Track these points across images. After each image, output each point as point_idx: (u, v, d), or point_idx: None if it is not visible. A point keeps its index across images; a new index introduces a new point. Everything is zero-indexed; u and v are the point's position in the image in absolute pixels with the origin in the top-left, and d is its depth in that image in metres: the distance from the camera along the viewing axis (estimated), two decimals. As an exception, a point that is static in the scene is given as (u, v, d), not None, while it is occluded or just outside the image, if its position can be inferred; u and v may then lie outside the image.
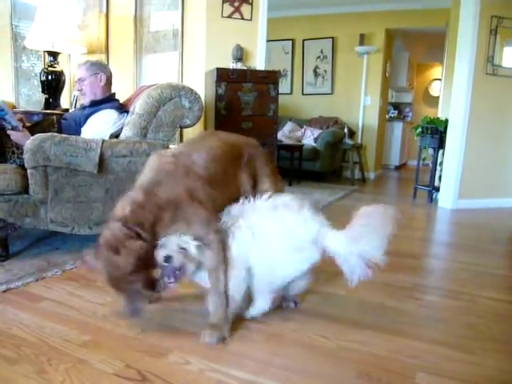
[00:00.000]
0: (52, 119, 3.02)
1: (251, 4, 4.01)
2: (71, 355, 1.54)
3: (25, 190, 2.45)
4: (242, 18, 4.02)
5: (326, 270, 2.57)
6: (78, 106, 4.14)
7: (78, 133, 2.73)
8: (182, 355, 1.58)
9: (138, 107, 2.70)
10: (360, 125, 7.27)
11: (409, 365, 1.57)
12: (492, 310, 2.12)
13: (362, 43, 7.06)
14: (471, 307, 2.13)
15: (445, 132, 4.89)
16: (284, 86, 7.67)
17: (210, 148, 1.85)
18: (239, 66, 3.79)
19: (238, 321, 1.81)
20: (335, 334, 1.77)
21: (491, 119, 4.75)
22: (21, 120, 2.66)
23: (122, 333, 1.73)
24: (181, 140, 4.14)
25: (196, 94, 2.80)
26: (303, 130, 7.15)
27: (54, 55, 4.10)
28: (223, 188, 1.81)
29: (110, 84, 2.98)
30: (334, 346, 1.68)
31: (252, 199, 1.81)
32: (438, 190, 5.08)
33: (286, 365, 1.54)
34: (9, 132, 2.56)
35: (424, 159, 5.47)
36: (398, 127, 9.46)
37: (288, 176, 6.10)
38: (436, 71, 10.47)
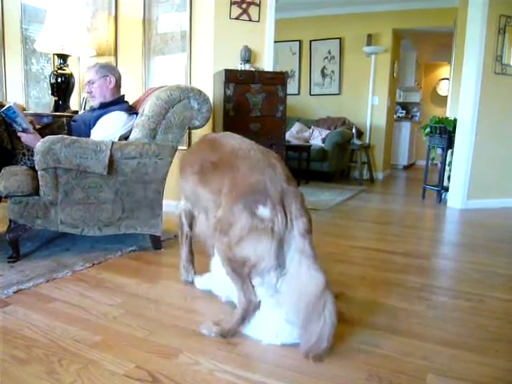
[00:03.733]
0: (62, 121, 3.04)
1: (259, 5, 4.01)
2: (82, 356, 1.55)
3: (35, 191, 2.47)
4: (250, 20, 4.02)
5: (333, 272, 2.58)
6: (87, 108, 4.16)
7: (88, 135, 2.75)
8: (192, 356, 1.58)
9: (147, 109, 2.71)
10: (368, 125, 7.25)
11: (419, 366, 1.56)
12: (503, 311, 2.10)
13: (369, 43, 7.05)
14: (481, 308, 2.12)
15: (453, 132, 4.86)
16: (291, 86, 7.66)
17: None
18: (247, 67, 3.79)
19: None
20: (345, 336, 1.77)
21: (500, 118, 4.73)
22: (31, 122, 2.69)
23: (132, 334, 1.74)
24: (189, 142, 4.15)
25: (204, 95, 2.81)
26: (311, 130, 7.15)
27: (63, 58, 4.12)
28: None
29: (119, 86, 3.00)
30: (345, 348, 1.68)
31: None
32: (446, 190, 5.05)
33: (295, 366, 1.54)
34: (19, 134, 2.59)
35: (433, 159, 5.45)
36: (406, 127, 9.42)
37: (296, 176, 6.10)
38: (444, 71, 10.42)
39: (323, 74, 7.63)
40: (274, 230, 1.64)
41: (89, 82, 2.90)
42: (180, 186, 2.19)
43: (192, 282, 2.27)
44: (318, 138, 6.86)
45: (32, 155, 2.55)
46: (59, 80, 4.10)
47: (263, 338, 1.68)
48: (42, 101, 4.94)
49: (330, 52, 7.50)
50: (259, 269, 1.70)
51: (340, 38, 7.37)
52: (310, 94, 7.79)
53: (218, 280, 2.03)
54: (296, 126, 7.22)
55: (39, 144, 2.43)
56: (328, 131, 6.88)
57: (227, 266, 1.73)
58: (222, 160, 1.83)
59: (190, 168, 2.03)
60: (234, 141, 1.92)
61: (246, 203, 1.66)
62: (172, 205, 2.42)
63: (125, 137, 2.77)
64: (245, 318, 1.72)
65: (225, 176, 1.77)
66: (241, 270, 1.70)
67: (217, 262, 2.01)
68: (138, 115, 2.82)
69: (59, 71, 4.12)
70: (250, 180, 1.69)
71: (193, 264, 2.33)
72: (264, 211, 1.64)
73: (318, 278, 1.60)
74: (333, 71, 7.52)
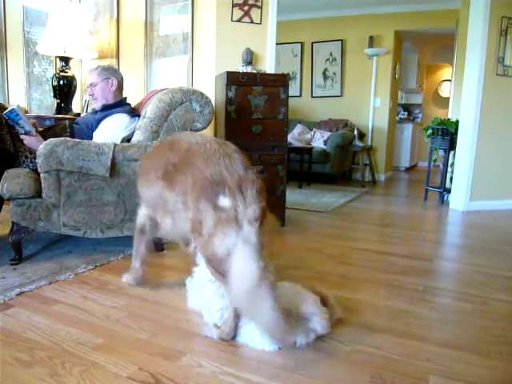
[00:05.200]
0: (64, 124, 3.05)
1: (260, 8, 4.02)
2: (85, 358, 1.55)
3: (38, 194, 2.48)
4: (252, 22, 4.03)
5: (335, 274, 2.58)
6: (89, 110, 4.17)
7: (90, 137, 2.76)
8: (195, 358, 1.58)
9: (149, 111, 2.72)
10: (370, 127, 7.26)
11: (422, 368, 1.56)
12: (506, 313, 2.10)
13: (371, 45, 7.06)
14: (484, 310, 2.12)
15: (455, 133, 4.86)
16: (293, 88, 7.67)
17: None
18: (249, 69, 3.80)
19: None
20: (349, 338, 1.76)
21: (502, 120, 4.72)
22: (34, 125, 2.69)
23: (134, 336, 1.74)
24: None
25: (206, 97, 2.81)
26: (313, 132, 7.15)
27: (65, 60, 4.14)
28: None
29: (122, 88, 3.01)
30: (348, 350, 1.67)
31: None
32: (449, 191, 5.05)
33: (298, 368, 1.54)
34: (22, 137, 2.59)
35: (435, 161, 5.44)
36: (407, 129, 9.42)
37: (298, 179, 6.10)
38: (445, 72, 10.43)
39: (325, 76, 7.63)
40: (238, 218, 1.60)
41: (91, 84, 2.91)
42: (141, 193, 2.20)
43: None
44: (319, 140, 6.86)
45: (34, 158, 2.56)
46: (61, 82, 4.12)
47: (259, 344, 1.68)
48: (44, 103, 4.95)
49: (331, 54, 7.50)
50: None
51: (342, 40, 7.37)
52: (312, 96, 7.79)
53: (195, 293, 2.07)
54: (298, 128, 7.22)
55: (42, 146, 2.44)
56: (330, 133, 6.89)
57: (209, 265, 1.73)
58: (181, 159, 1.82)
59: (154, 173, 1.98)
60: (191, 138, 1.91)
61: (206, 197, 1.64)
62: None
63: (127, 139, 2.78)
64: (238, 314, 1.72)
65: (186, 175, 1.76)
66: (221, 269, 1.66)
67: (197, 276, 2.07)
68: (140, 117, 2.82)
69: (61, 74, 4.13)
70: (206, 173, 1.67)
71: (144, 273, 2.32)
72: (224, 201, 1.61)
73: (254, 269, 1.53)
74: (334, 73, 7.52)
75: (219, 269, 1.67)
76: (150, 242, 2.30)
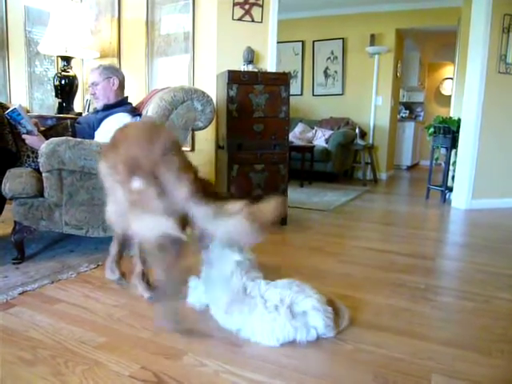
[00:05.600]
0: (66, 123, 3.05)
1: (261, 6, 4.02)
2: (87, 357, 1.56)
3: (40, 193, 2.49)
4: (253, 21, 4.03)
5: (338, 273, 2.58)
6: (90, 109, 4.18)
7: (92, 136, 2.76)
8: (197, 357, 1.58)
9: (150, 110, 2.72)
10: (371, 125, 7.24)
11: (424, 367, 1.56)
12: (507, 311, 2.09)
13: (372, 43, 7.04)
14: (486, 308, 2.12)
15: (457, 131, 4.85)
16: (294, 87, 7.67)
17: None
18: (250, 68, 3.80)
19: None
20: (351, 336, 1.76)
21: (504, 118, 4.71)
22: (36, 124, 2.69)
23: (137, 335, 1.74)
24: (192, 143, 4.16)
25: (208, 96, 2.81)
26: (314, 131, 7.14)
27: (67, 60, 4.14)
28: None
29: (123, 88, 3.01)
30: (350, 349, 1.68)
31: None
32: (451, 190, 5.04)
33: (300, 367, 1.54)
34: (24, 136, 2.60)
35: (437, 159, 5.43)
36: (409, 127, 9.40)
37: (299, 177, 6.10)
38: (447, 70, 10.40)
39: (326, 75, 7.62)
40: (153, 200, 1.61)
41: (92, 83, 2.91)
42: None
43: (118, 281, 2.25)
44: (321, 139, 6.85)
45: (36, 157, 2.56)
46: (63, 82, 4.12)
47: (261, 339, 1.69)
48: (46, 103, 4.96)
49: (332, 52, 7.49)
50: (159, 241, 1.66)
51: (343, 39, 7.36)
52: (313, 95, 7.78)
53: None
54: (299, 127, 7.22)
55: (43, 146, 2.44)
56: (331, 132, 6.88)
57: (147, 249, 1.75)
58: (113, 141, 1.83)
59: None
60: (134, 122, 1.96)
61: (121, 180, 1.66)
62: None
63: (129, 138, 2.78)
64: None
65: (108, 158, 1.79)
66: (156, 252, 1.68)
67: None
68: (142, 117, 2.82)
69: (63, 73, 4.13)
70: (123, 156, 1.68)
71: (119, 264, 2.28)
72: (136, 183, 1.62)
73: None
74: (336, 71, 7.51)
75: (154, 252, 1.69)
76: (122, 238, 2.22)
